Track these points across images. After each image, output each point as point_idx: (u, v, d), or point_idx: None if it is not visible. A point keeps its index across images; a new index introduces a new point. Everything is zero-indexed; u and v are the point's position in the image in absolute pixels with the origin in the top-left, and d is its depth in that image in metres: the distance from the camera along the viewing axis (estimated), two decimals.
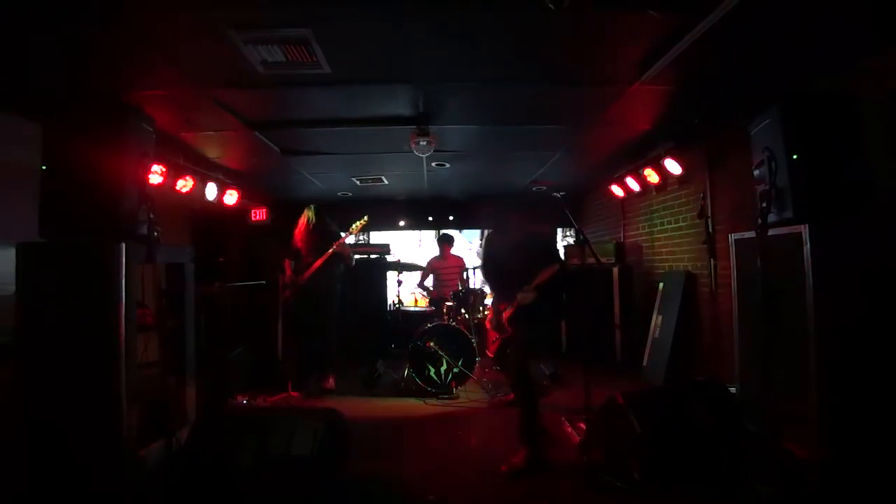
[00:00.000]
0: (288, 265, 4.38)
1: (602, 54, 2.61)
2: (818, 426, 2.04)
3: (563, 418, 3.43)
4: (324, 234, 4.27)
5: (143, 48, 2.42)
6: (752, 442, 2.32)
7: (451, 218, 7.37)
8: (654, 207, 5.11)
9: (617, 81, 2.93)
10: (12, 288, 2.11)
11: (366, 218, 4.44)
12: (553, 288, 2.93)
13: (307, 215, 4.35)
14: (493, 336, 3.17)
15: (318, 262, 4.16)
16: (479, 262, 5.69)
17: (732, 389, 2.69)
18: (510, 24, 2.29)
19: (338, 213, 4.46)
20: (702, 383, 3.07)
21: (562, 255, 3.19)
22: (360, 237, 7.75)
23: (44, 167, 2.19)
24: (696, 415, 2.46)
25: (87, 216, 2.14)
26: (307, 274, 4.20)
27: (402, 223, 7.49)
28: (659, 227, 5.06)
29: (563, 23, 2.25)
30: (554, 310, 3.16)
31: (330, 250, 4.17)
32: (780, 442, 2.21)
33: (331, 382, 4.24)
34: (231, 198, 5.07)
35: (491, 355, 3.23)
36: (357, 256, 6.20)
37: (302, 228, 4.33)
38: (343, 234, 4.36)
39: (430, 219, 7.47)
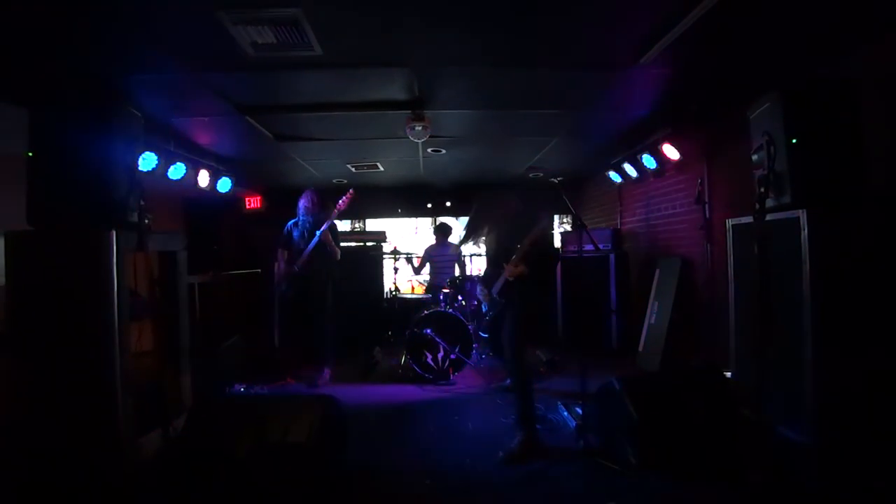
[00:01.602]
0: (280, 254, 4.28)
1: (600, 36, 2.56)
2: (814, 413, 2.06)
3: (559, 403, 3.45)
4: (319, 217, 4.14)
5: (130, 31, 2.36)
6: (747, 428, 2.34)
7: (447, 205, 7.33)
8: (652, 193, 5.09)
9: (615, 64, 2.88)
10: (2, 279, 2.08)
11: (350, 192, 4.15)
12: (540, 265, 2.91)
13: (309, 198, 4.21)
14: (485, 313, 3.17)
15: (309, 251, 4.06)
16: (473, 248, 5.71)
17: (728, 375, 2.71)
18: (507, 6, 2.23)
19: (333, 200, 4.35)
20: (698, 369, 3.10)
21: (552, 235, 3.15)
22: (357, 225, 7.71)
23: (30, 154, 2.14)
24: (692, 400, 2.47)
25: (76, 204, 2.10)
26: (300, 264, 4.10)
27: (398, 210, 7.45)
28: (656, 214, 5.05)
29: (562, 4, 2.20)
30: (543, 288, 3.14)
31: (315, 240, 4.03)
32: (775, 428, 2.22)
33: (326, 376, 4.22)
34: (225, 185, 5.01)
35: (485, 333, 3.24)
36: (353, 244, 6.17)
37: (301, 213, 4.21)
38: (331, 214, 4.15)
39: (428, 206, 7.43)
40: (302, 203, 4.22)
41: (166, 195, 4.71)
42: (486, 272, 3.26)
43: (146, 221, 2.10)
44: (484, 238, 3.22)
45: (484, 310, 3.31)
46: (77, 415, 2.01)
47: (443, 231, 5.64)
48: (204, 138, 4.31)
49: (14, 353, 2.05)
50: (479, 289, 3.30)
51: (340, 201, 4.12)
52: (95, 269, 2.03)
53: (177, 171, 4.20)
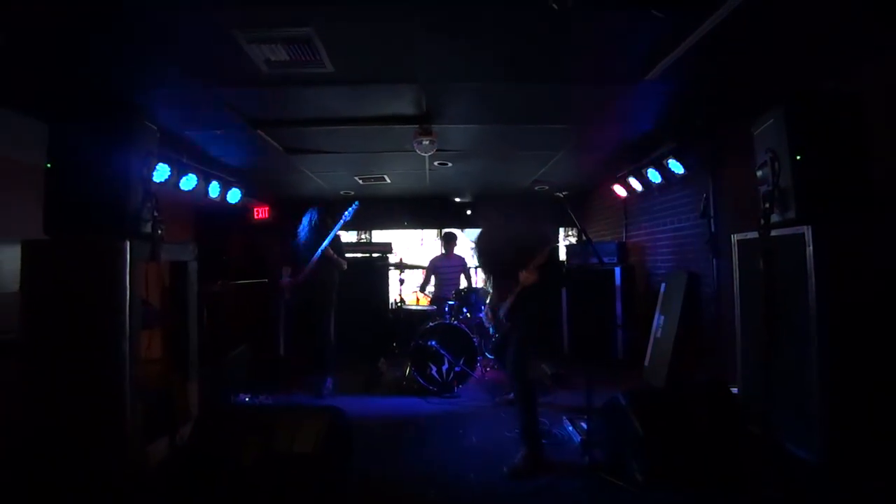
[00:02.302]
0: (285, 272, 4.33)
1: (605, 53, 2.60)
2: (820, 428, 2.04)
3: (564, 418, 3.43)
4: (321, 234, 4.21)
5: (148, 48, 2.44)
6: (753, 444, 2.32)
7: (453, 217, 7.37)
8: (657, 207, 5.10)
9: (620, 80, 2.93)
10: (18, 286, 2.12)
11: (356, 203, 4.25)
12: (548, 284, 2.91)
13: (310, 217, 4.33)
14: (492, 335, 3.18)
15: (312, 264, 4.10)
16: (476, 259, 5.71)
17: (734, 390, 2.69)
18: (513, 24, 2.29)
19: (339, 211, 4.41)
20: (704, 384, 3.08)
21: (558, 250, 3.12)
22: (363, 236, 7.77)
23: (49, 165, 2.20)
24: (698, 416, 2.46)
25: (92, 214, 2.15)
26: (302, 275, 4.14)
27: (404, 222, 7.50)
28: (661, 228, 5.05)
29: (567, 22, 2.25)
30: (550, 306, 3.15)
31: (317, 255, 4.07)
32: (781, 443, 2.20)
33: (329, 386, 4.22)
34: (234, 196, 5.09)
35: (491, 354, 3.25)
36: (359, 255, 6.21)
37: (305, 229, 4.30)
38: (336, 228, 4.24)
39: (434, 218, 7.48)
40: (305, 221, 4.31)
41: (177, 205, 4.78)
42: (491, 296, 3.26)
43: (159, 232, 2.14)
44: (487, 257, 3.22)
45: (491, 332, 3.31)
46: (86, 421, 2.03)
47: (449, 240, 5.66)
48: (216, 150, 4.39)
49: (27, 359, 2.09)
50: (483, 311, 3.30)
51: (347, 213, 4.20)
52: (109, 278, 2.07)
53: (188, 182, 4.27)
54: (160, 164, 3.81)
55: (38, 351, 2.09)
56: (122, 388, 2.04)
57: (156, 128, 2.45)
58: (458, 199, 7.13)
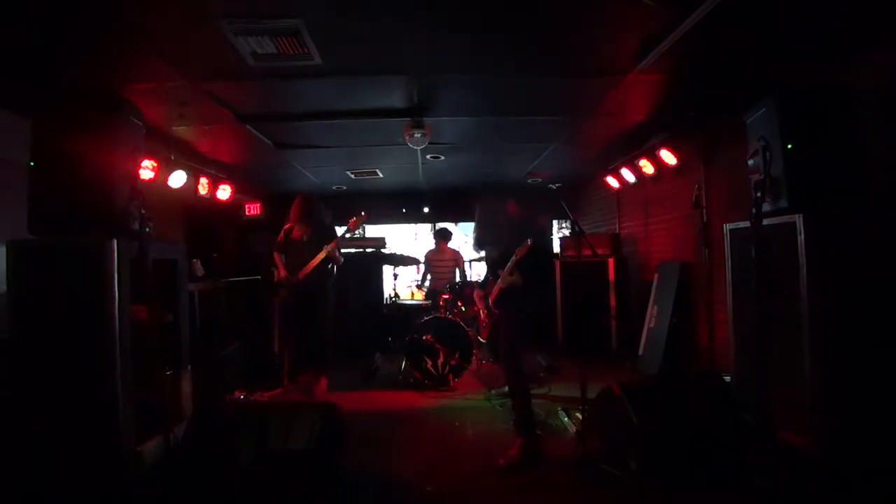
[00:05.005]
0: (278, 258, 4.25)
1: (597, 44, 2.59)
2: (813, 416, 2.06)
3: (559, 409, 3.45)
4: (316, 223, 4.12)
5: (133, 41, 2.38)
6: (748, 432, 2.34)
7: (446, 210, 7.35)
8: (650, 198, 5.11)
9: (612, 71, 2.91)
10: (4, 287, 2.08)
11: (363, 214, 4.23)
12: (535, 272, 2.95)
13: (298, 203, 4.18)
14: (484, 319, 3.19)
15: (312, 263, 4.02)
16: (474, 253, 5.71)
17: (728, 379, 2.71)
18: (504, 14, 2.26)
19: (333, 207, 4.38)
20: (698, 373, 3.10)
21: (545, 242, 3.17)
22: (357, 231, 7.72)
23: (31, 163, 2.15)
24: (692, 405, 2.47)
25: (78, 212, 2.11)
26: (302, 274, 4.07)
27: (397, 216, 7.47)
28: (654, 218, 5.07)
29: (558, 12, 2.23)
30: (538, 294, 3.19)
31: (322, 253, 4.00)
32: (776, 432, 2.22)
33: (322, 386, 4.17)
34: (224, 192, 5.03)
35: (484, 338, 3.28)
36: (353, 250, 6.18)
37: (293, 217, 4.16)
38: (338, 229, 4.26)
39: (426, 211, 7.45)
40: (291, 215, 4.21)
41: (166, 203, 4.72)
42: (485, 278, 3.30)
43: (147, 230, 2.10)
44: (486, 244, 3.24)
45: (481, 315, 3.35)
46: (78, 422, 2.01)
47: (443, 236, 5.66)
48: (204, 146, 4.33)
49: (15, 361, 2.05)
50: (476, 294, 3.32)
51: (350, 221, 4.16)
52: (97, 277, 2.04)
53: (177, 178, 4.21)
54: (148, 161, 3.75)
55: (27, 352, 2.05)
56: (114, 387, 2.01)
57: (142, 123, 2.40)
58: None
